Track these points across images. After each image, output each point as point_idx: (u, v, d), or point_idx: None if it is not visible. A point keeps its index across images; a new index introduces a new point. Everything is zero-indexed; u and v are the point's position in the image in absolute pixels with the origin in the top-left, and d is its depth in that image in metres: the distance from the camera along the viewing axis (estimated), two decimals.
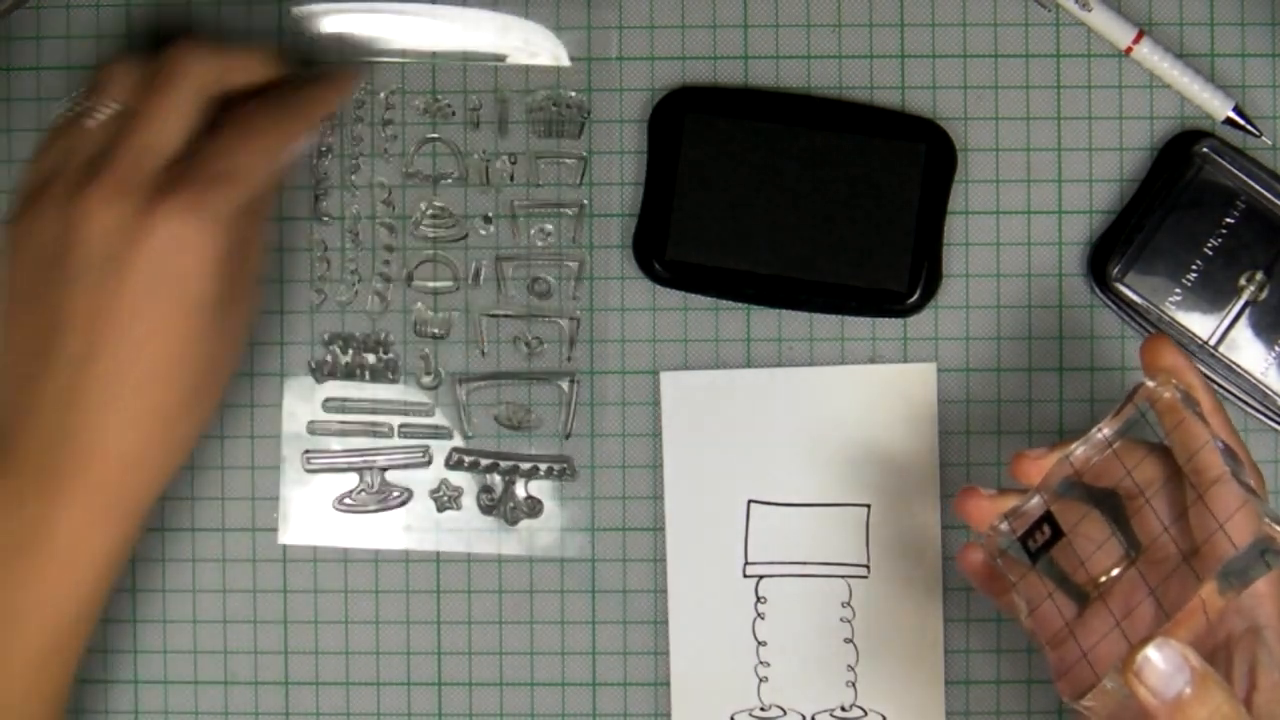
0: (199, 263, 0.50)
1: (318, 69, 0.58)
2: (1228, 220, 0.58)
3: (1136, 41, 0.59)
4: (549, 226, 0.61)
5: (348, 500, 0.61)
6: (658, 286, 0.60)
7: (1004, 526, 0.49)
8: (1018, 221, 0.60)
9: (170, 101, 0.51)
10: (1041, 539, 0.49)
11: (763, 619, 0.58)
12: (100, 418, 0.50)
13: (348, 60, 0.59)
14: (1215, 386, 0.59)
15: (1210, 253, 0.59)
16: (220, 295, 0.50)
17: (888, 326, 0.60)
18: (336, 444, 0.61)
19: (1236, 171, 0.58)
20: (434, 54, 0.61)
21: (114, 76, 0.53)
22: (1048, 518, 0.49)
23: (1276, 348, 0.59)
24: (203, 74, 0.52)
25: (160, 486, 0.53)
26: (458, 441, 0.61)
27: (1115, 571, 0.49)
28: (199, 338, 0.50)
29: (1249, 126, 0.59)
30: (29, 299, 0.51)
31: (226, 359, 0.53)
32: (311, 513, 0.61)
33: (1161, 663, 0.43)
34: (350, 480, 0.61)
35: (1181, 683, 0.43)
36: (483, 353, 0.61)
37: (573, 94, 0.61)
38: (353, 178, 0.61)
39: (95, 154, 0.51)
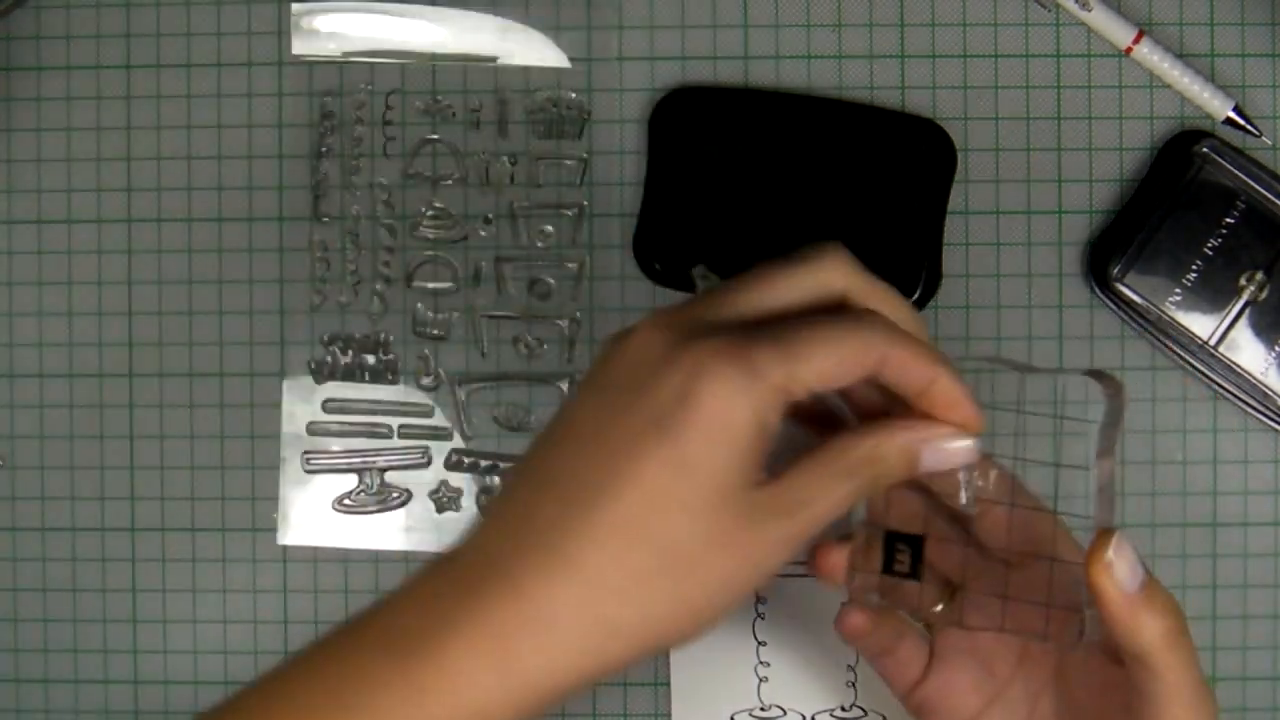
0: (719, 428, 0.41)
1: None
2: (1228, 220, 0.58)
3: (1136, 41, 0.59)
4: (549, 227, 0.61)
5: (347, 501, 0.61)
6: (658, 286, 0.60)
7: (858, 574, 0.48)
8: (1018, 221, 0.60)
9: (781, 283, 0.45)
10: (904, 560, 0.47)
11: (763, 619, 0.58)
12: (565, 555, 0.41)
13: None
14: (1215, 386, 0.59)
15: (1210, 253, 0.59)
16: (734, 473, 0.42)
17: None
18: (336, 445, 0.61)
19: (1236, 171, 0.58)
20: (434, 55, 0.61)
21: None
22: (894, 537, 0.47)
23: (1276, 348, 0.59)
24: (829, 280, 0.45)
25: (578, 675, 0.42)
26: (457, 442, 0.61)
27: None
28: (689, 514, 0.41)
29: (1249, 126, 0.59)
30: (563, 406, 0.45)
31: (720, 564, 0.42)
32: (311, 513, 0.61)
33: (1126, 556, 0.44)
34: (350, 481, 0.61)
35: (1141, 575, 0.44)
36: (482, 354, 0.61)
37: (573, 94, 0.61)
38: (353, 178, 0.61)
39: (735, 317, 0.44)
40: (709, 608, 0.42)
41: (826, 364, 0.42)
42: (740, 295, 0.44)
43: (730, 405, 0.41)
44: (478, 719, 0.41)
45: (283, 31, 0.61)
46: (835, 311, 0.45)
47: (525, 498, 0.43)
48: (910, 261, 0.59)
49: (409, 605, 0.42)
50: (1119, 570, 0.44)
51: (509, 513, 0.43)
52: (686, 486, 0.41)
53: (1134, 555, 0.44)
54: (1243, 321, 0.58)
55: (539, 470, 0.43)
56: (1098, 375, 0.45)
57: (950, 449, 0.45)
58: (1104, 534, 0.44)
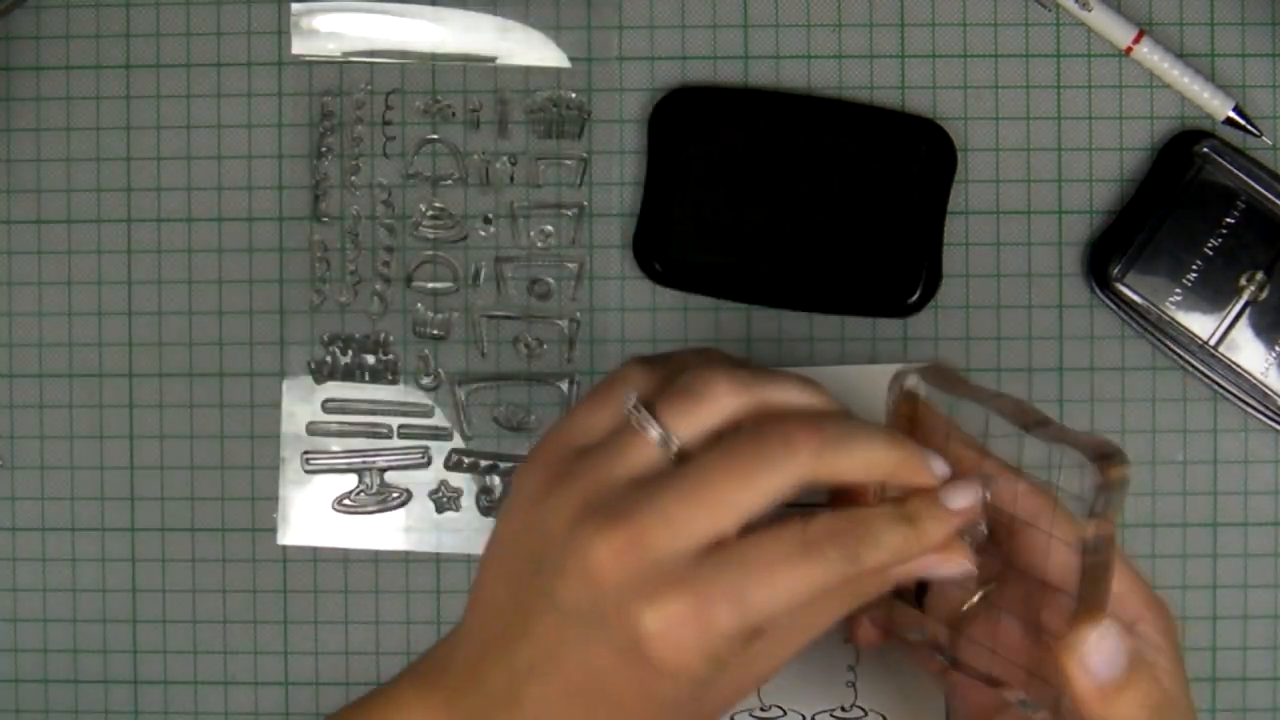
0: (673, 671, 0.42)
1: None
2: (1228, 220, 0.58)
3: (1136, 41, 0.59)
4: (549, 227, 0.61)
5: (347, 501, 0.61)
6: (658, 286, 0.60)
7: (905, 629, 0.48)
8: (1018, 221, 0.60)
9: (739, 492, 0.42)
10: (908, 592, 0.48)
11: None
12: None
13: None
14: (1215, 386, 0.59)
15: (1210, 253, 0.58)
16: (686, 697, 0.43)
17: (888, 326, 0.60)
18: (336, 445, 0.61)
19: (1236, 171, 0.58)
20: (434, 55, 0.61)
21: (708, 404, 0.44)
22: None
23: (1276, 348, 0.58)
24: (801, 476, 0.43)
25: None
26: (457, 442, 0.61)
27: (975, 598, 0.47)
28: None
29: (1249, 126, 0.59)
30: (510, 577, 0.46)
31: None
32: (311, 513, 0.61)
33: (1105, 647, 0.42)
34: (350, 481, 0.61)
35: (1121, 664, 0.42)
36: (482, 354, 0.61)
37: (573, 94, 0.61)
38: (353, 178, 0.61)
39: (632, 479, 0.43)
40: None
41: (786, 601, 0.42)
42: (687, 514, 0.42)
43: (690, 668, 0.41)
44: None
45: (283, 31, 0.61)
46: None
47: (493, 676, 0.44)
48: (910, 261, 0.59)
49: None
50: (1094, 661, 0.42)
51: (476, 667, 0.45)
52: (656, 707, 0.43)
53: (1116, 643, 0.42)
54: (1243, 321, 0.58)
55: (501, 643, 0.45)
56: (1100, 455, 0.42)
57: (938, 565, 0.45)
58: (1083, 619, 0.42)
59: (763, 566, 0.42)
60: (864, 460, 0.43)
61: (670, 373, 0.45)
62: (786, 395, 0.45)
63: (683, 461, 0.43)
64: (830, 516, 0.43)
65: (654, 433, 0.43)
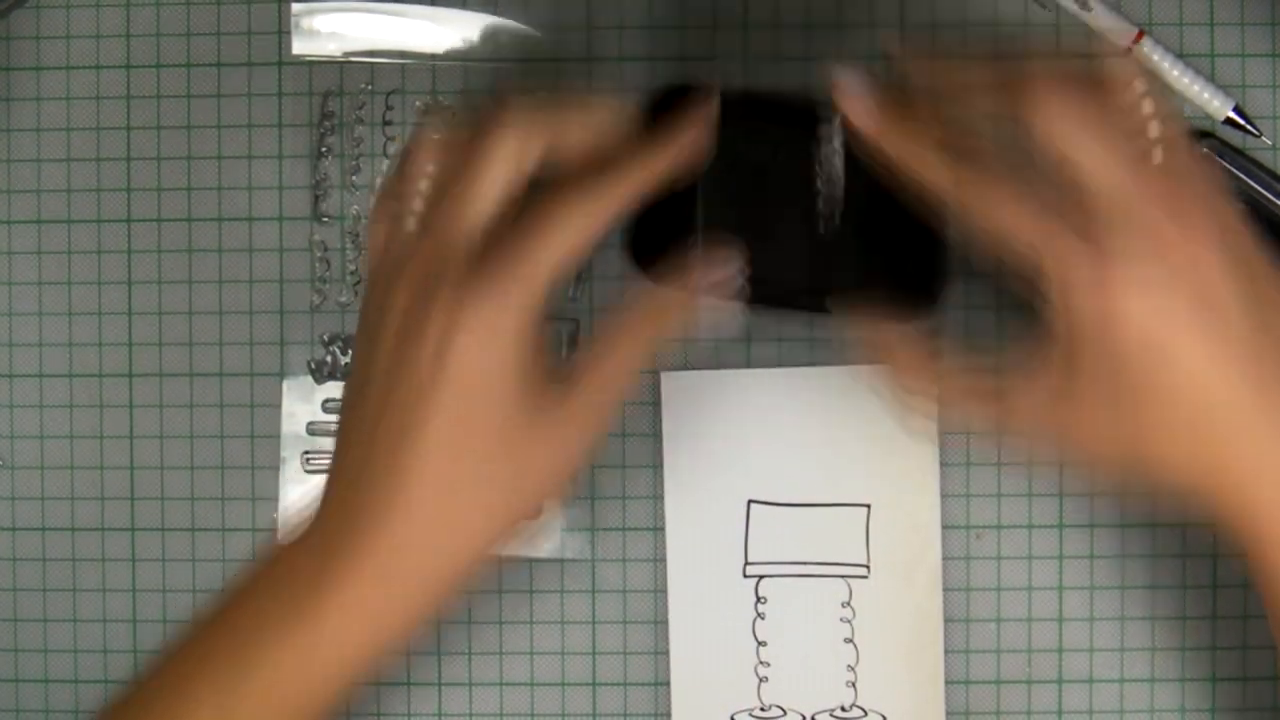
0: (501, 358, 0.47)
1: (654, 126, 0.53)
2: None
3: (1136, 41, 0.59)
4: None
5: None
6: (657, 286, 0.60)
7: None
8: None
9: (486, 179, 0.48)
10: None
11: (763, 619, 0.58)
12: (390, 492, 0.47)
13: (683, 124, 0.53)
14: None
15: None
16: (523, 391, 0.48)
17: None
18: None
19: (1236, 171, 0.58)
20: (434, 55, 0.61)
21: (426, 147, 0.50)
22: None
23: None
24: (524, 146, 0.49)
25: (440, 584, 0.49)
26: None
27: None
28: (501, 435, 0.47)
29: (1249, 126, 0.59)
30: (356, 370, 0.50)
31: (536, 471, 0.48)
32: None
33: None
34: None
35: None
36: None
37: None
38: (353, 178, 0.61)
39: (413, 235, 0.49)
40: (539, 492, 0.49)
41: (563, 253, 0.48)
42: (454, 228, 0.48)
43: (488, 349, 0.47)
44: (377, 636, 0.48)
45: (283, 31, 0.61)
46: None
47: (357, 456, 0.48)
48: (914, 261, 0.59)
49: (282, 581, 0.49)
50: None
51: (348, 475, 0.49)
52: (478, 415, 0.47)
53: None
54: None
55: (358, 427, 0.48)
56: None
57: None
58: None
59: (522, 229, 0.48)
60: (577, 113, 0.50)
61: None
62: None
63: None
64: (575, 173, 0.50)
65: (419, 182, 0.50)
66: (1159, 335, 0.46)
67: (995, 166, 0.48)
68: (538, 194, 0.49)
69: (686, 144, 0.52)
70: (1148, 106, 0.47)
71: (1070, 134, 0.46)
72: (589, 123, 0.51)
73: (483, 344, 0.47)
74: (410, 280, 0.48)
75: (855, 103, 0.51)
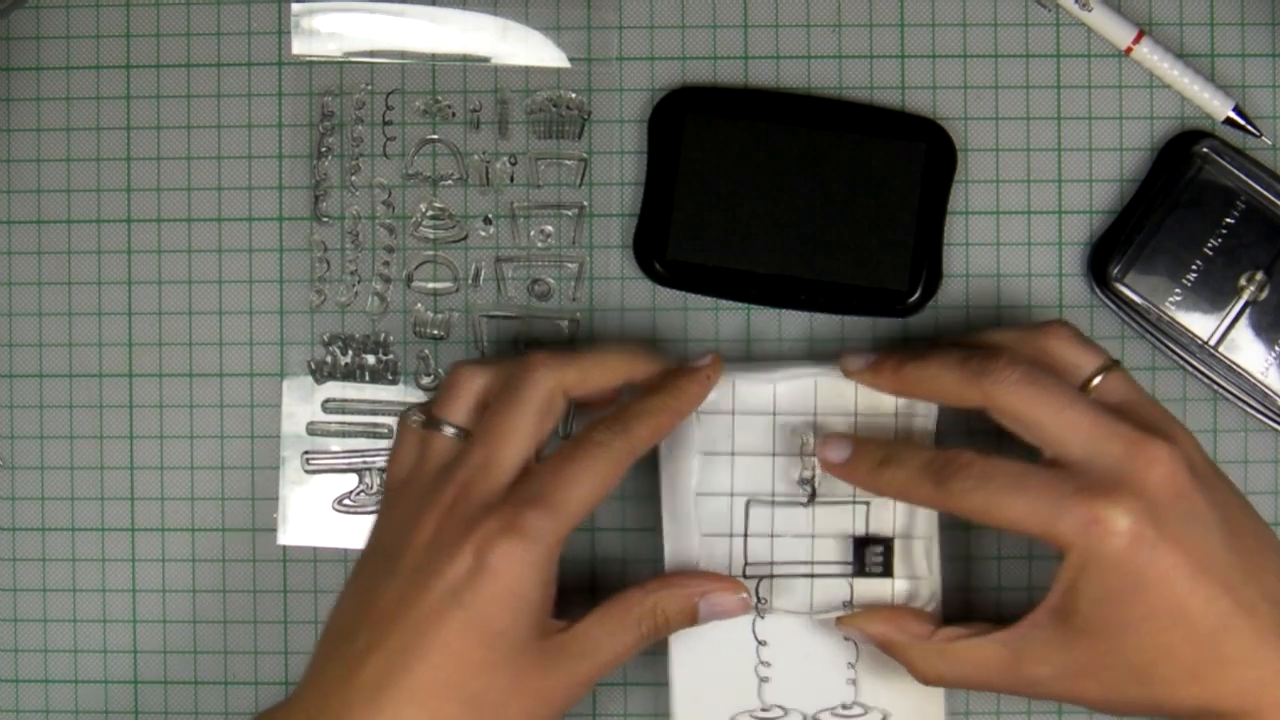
0: (509, 594, 0.50)
1: (669, 372, 0.56)
2: (1228, 220, 0.58)
3: (1136, 41, 0.59)
4: (549, 227, 0.61)
5: (347, 501, 0.61)
6: (658, 286, 0.60)
7: None
8: (1018, 221, 0.60)
9: (514, 424, 0.52)
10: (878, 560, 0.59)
11: (763, 619, 0.58)
12: (389, 712, 0.49)
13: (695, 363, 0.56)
14: (1215, 386, 0.59)
15: (1210, 253, 0.59)
16: (525, 629, 0.50)
17: (888, 326, 0.60)
18: (336, 445, 0.61)
19: (1236, 171, 0.58)
20: (434, 55, 0.61)
21: (462, 388, 0.54)
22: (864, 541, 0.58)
23: (1276, 348, 0.59)
24: (552, 391, 0.53)
25: None
26: None
27: None
28: (490, 669, 0.50)
29: (1249, 126, 0.59)
30: (362, 580, 0.53)
31: (521, 708, 0.50)
32: (311, 513, 0.61)
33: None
34: (349, 481, 0.61)
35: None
36: (482, 354, 0.61)
37: (573, 95, 0.61)
38: (353, 178, 0.61)
39: (442, 466, 0.53)
40: None
41: (591, 495, 0.51)
42: (492, 462, 0.52)
43: (518, 575, 0.49)
44: None
45: (283, 31, 0.61)
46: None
47: (348, 658, 0.50)
48: (910, 261, 0.59)
49: None
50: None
51: (335, 673, 0.50)
52: (487, 647, 0.49)
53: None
54: (1243, 321, 0.59)
55: (355, 638, 0.50)
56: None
57: (725, 601, 0.55)
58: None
59: (554, 470, 0.51)
60: (598, 364, 0.54)
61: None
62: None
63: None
64: (599, 418, 0.53)
65: (448, 429, 0.54)
66: (1148, 568, 0.49)
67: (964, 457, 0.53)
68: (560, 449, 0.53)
69: (695, 392, 0.55)
70: (1074, 352, 0.54)
71: (1025, 413, 0.52)
72: (611, 370, 0.55)
73: (513, 572, 0.49)
74: (442, 506, 0.51)
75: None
